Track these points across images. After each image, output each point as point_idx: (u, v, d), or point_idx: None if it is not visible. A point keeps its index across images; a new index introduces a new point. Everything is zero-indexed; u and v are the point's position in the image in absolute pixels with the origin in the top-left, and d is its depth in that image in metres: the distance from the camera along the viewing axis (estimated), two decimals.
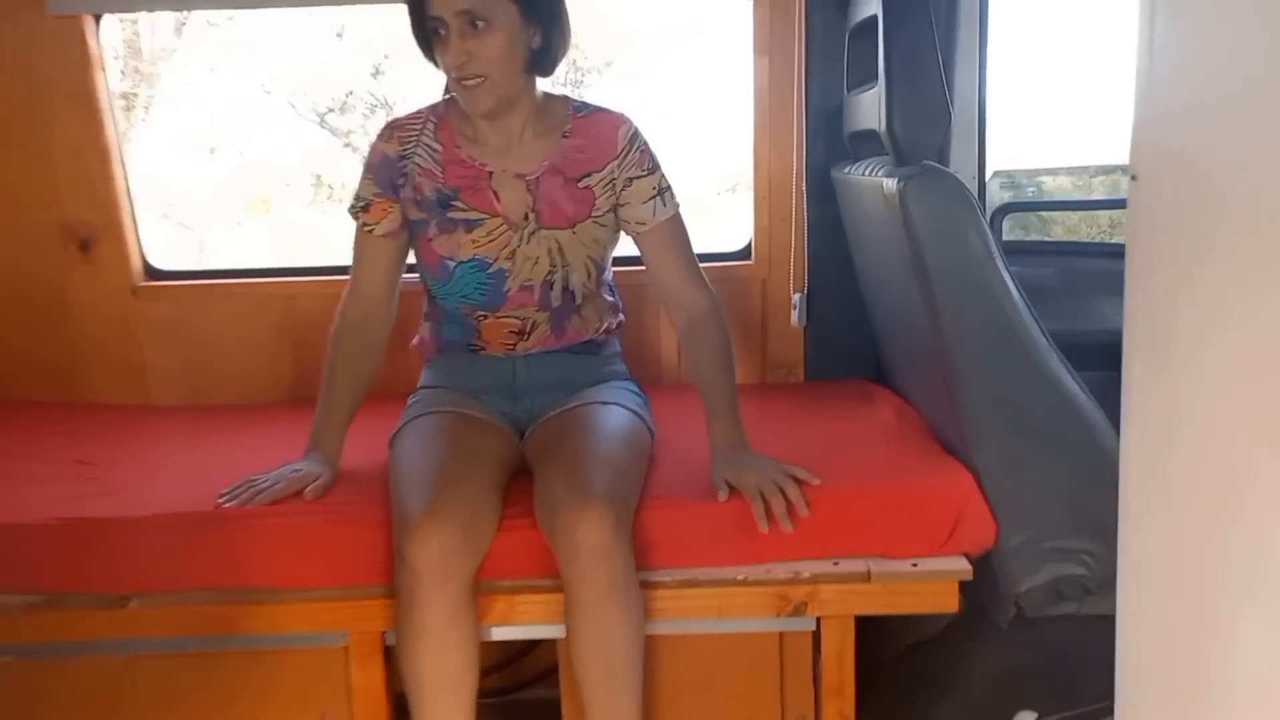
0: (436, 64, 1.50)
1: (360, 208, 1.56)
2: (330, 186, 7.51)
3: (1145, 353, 0.81)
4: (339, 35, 6.92)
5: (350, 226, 1.58)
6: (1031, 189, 2.48)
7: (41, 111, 1.89)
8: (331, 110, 7.58)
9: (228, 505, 1.45)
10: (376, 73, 7.28)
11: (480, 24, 1.40)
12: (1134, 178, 0.77)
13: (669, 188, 1.57)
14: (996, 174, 2.22)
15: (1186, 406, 0.75)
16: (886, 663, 1.76)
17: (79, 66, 1.87)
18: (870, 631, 1.63)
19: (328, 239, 6.96)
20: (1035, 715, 1.61)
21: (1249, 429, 0.66)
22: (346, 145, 7.70)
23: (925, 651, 1.77)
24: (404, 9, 1.47)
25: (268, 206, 6.75)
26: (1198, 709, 0.76)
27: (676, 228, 1.58)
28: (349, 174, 7.35)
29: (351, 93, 7.51)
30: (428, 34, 1.46)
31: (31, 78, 1.87)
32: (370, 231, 1.56)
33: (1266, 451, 0.64)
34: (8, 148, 1.91)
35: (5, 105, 1.89)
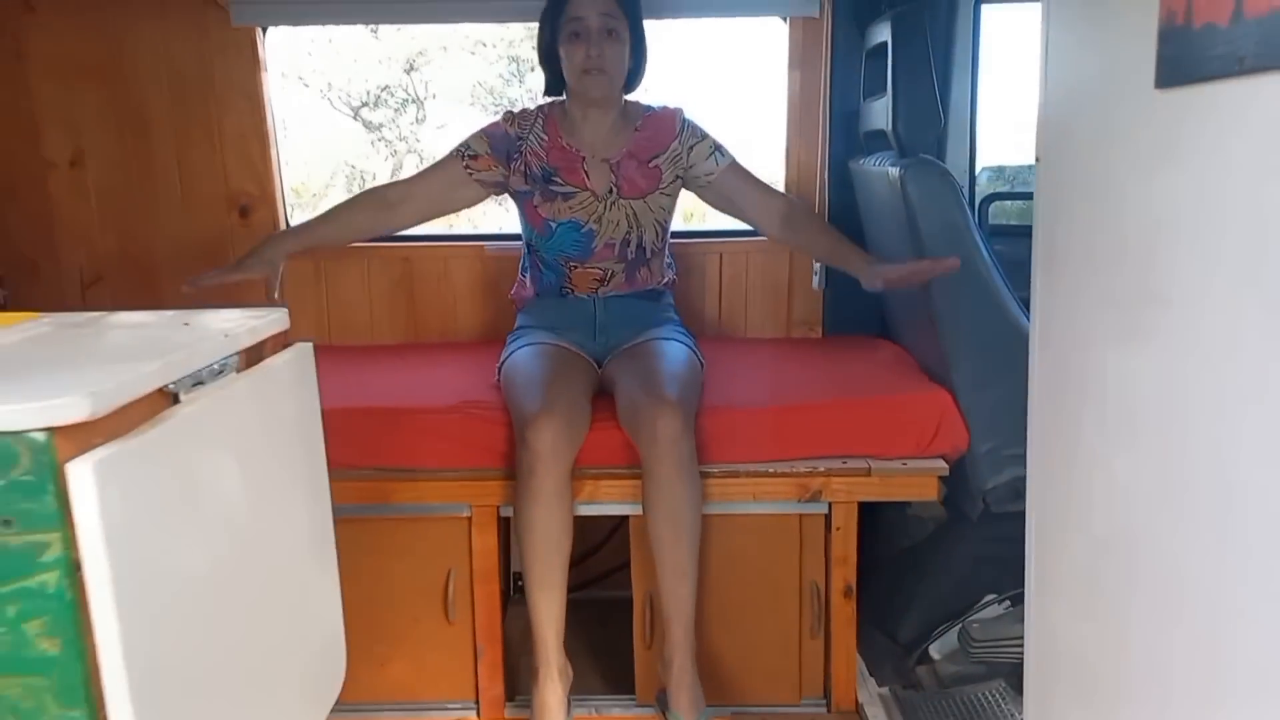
0: (549, 66, 1.96)
1: (469, 154, 2.00)
2: (364, 177, 7.93)
3: (1048, 297, 1.21)
4: (374, 32, 7.29)
5: None
6: (1017, 182, 2.91)
7: (218, 104, 2.35)
8: (365, 104, 8.02)
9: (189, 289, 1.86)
10: (410, 68, 7.70)
11: (611, 33, 1.87)
12: (1038, 159, 1.21)
13: (721, 145, 2.03)
14: (986, 168, 2.64)
15: (1080, 343, 1.12)
16: (884, 562, 2.18)
17: (249, 68, 2.34)
18: (872, 538, 2.02)
19: None
20: (996, 596, 2.01)
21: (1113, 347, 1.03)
22: (379, 139, 8.13)
23: (914, 551, 2.18)
24: None
25: (310, 193, 7.15)
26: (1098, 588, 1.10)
27: (738, 167, 2.03)
28: (380, 166, 7.73)
29: (386, 88, 7.94)
30: (555, 39, 1.91)
31: (212, 77, 2.33)
32: (468, 172, 2.00)
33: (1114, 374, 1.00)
34: (191, 133, 2.37)
35: (192, 99, 2.35)
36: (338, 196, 7.42)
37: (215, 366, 0.95)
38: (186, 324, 1.04)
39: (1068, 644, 1.19)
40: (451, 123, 7.83)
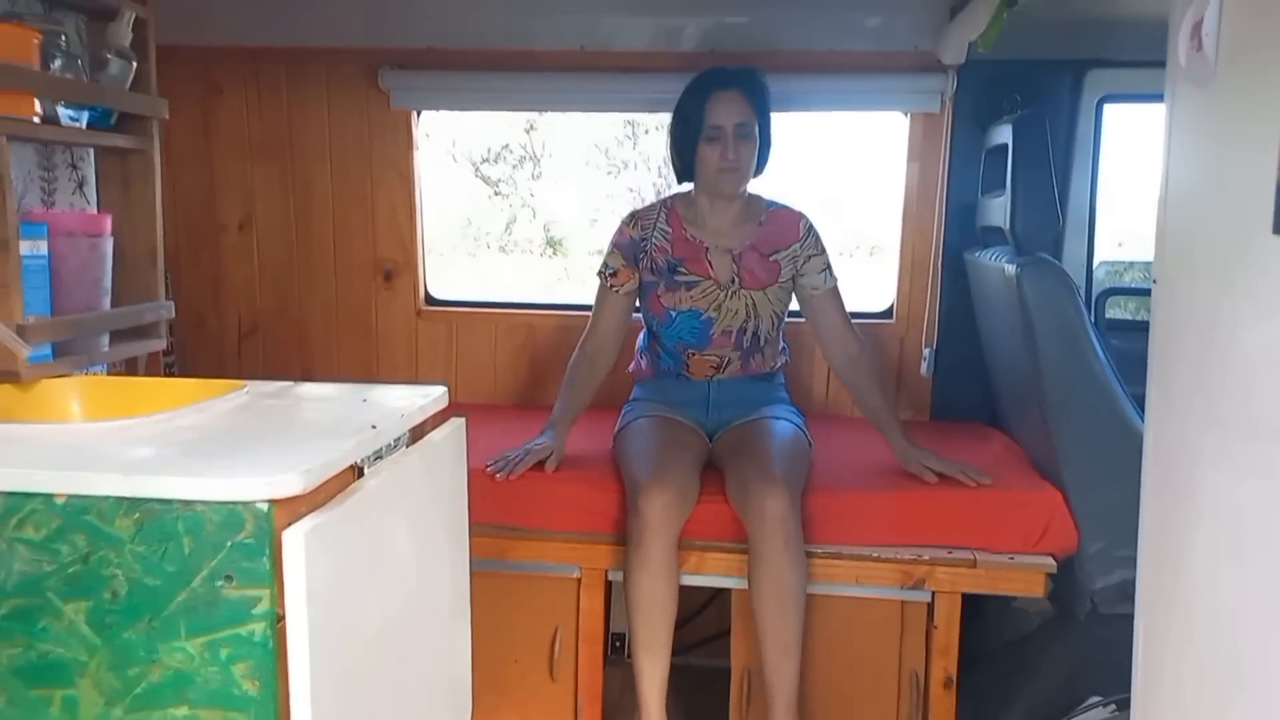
0: (681, 158, 2.09)
1: (610, 273, 2.13)
2: (479, 232, 8.29)
3: (1162, 413, 1.24)
4: None
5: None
6: (1140, 274, 2.89)
7: (373, 178, 2.58)
8: (485, 160, 8.42)
9: (494, 474, 1.97)
10: (530, 128, 8.06)
11: (745, 136, 2.00)
12: (1155, 280, 1.25)
13: (831, 266, 2.12)
14: (1104, 263, 2.64)
15: (1189, 459, 1.15)
16: (987, 654, 2.17)
17: (403, 147, 2.56)
18: (975, 628, 2.02)
19: (482, 279, 7.69)
20: (1101, 699, 1.98)
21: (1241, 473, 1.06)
22: (496, 194, 8.50)
23: (1019, 645, 2.16)
24: None
25: (437, 252, 7.48)
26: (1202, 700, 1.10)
27: (837, 293, 2.12)
28: (495, 220, 8.07)
29: (506, 145, 8.32)
30: (692, 134, 2.03)
31: (370, 154, 2.57)
32: (615, 291, 2.13)
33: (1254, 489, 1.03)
34: (349, 205, 2.61)
35: (351, 172, 2.59)
36: (461, 258, 7.79)
37: (391, 442, 1.08)
38: (365, 400, 1.18)
39: None
40: (564, 180, 8.16)
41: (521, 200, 8.36)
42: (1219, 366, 1.09)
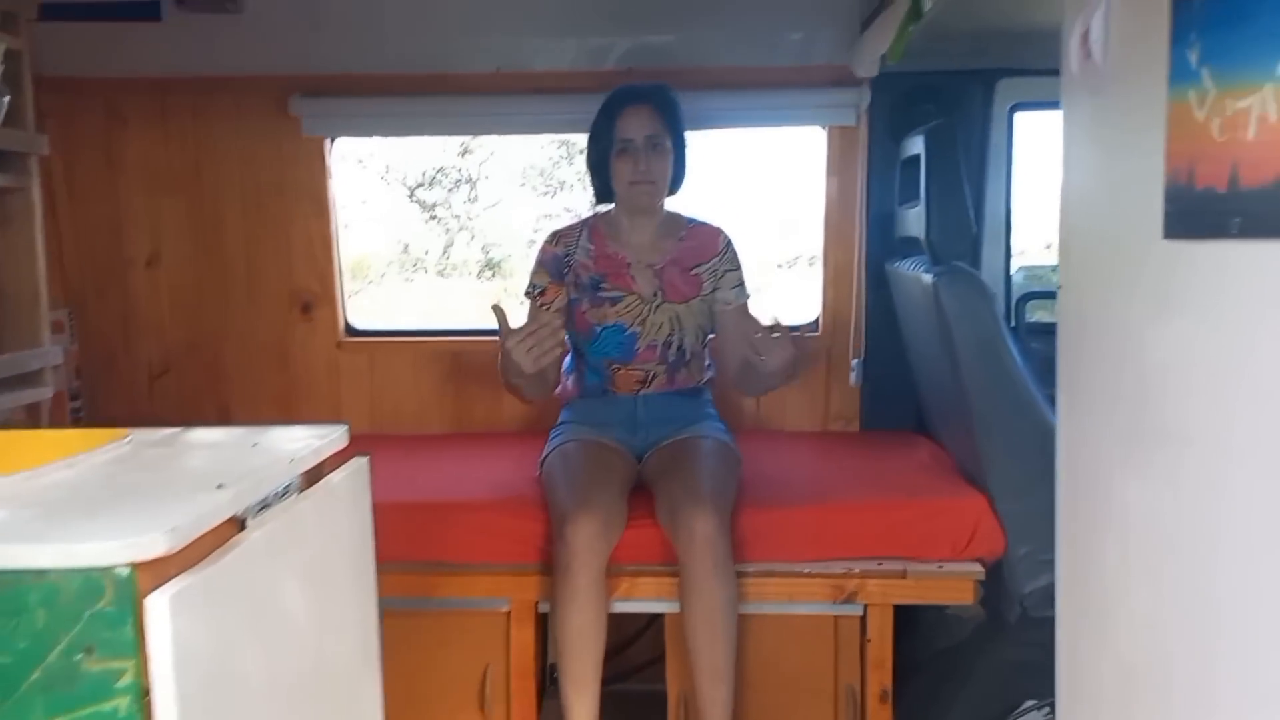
0: (598, 177, 2.07)
1: (538, 292, 2.10)
2: (417, 257, 8.20)
3: (1071, 420, 1.25)
4: None
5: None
6: (1052, 280, 2.94)
7: (287, 208, 2.51)
8: (421, 185, 8.35)
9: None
10: (464, 151, 8.02)
11: (656, 147, 2.00)
12: (1060, 286, 1.25)
13: (744, 283, 2.13)
14: (1022, 268, 2.68)
15: (1099, 464, 1.15)
16: (921, 662, 2.17)
17: (317, 175, 2.50)
18: (909, 638, 2.02)
19: (415, 303, 7.59)
20: (1036, 702, 1.99)
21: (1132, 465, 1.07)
22: (433, 218, 8.43)
23: (952, 653, 2.17)
24: None
25: (364, 272, 7.40)
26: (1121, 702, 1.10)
27: (746, 310, 2.12)
28: (433, 244, 7.99)
29: (440, 169, 8.26)
30: (605, 152, 2.02)
31: (283, 183, 2.50)
32: (546, 309, 2.09)
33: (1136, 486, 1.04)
34: (263, 236, 2.53)
35: (265, 202, 2.52)
36: (393, 281, 7.67)
37: (279, 490, 1.03)
38: (255, 444, 1.12)
39: None
40: (502, 202, 8.11)
41: (459, 223, 8.28)
42: (1123, 371, 1.09)
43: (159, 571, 0.82)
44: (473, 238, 8.34)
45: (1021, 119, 2.46)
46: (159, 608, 0.79)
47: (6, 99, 1.42)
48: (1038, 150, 2.55)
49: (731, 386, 2.18)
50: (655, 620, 2.16)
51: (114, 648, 0.79)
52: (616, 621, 1.85)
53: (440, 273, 8.07)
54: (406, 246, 8.15)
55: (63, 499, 0.93)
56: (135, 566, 0.79)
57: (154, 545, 0.80)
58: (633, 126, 2.00)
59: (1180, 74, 0.90)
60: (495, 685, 1.93)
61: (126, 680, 0.79)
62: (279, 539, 1.00)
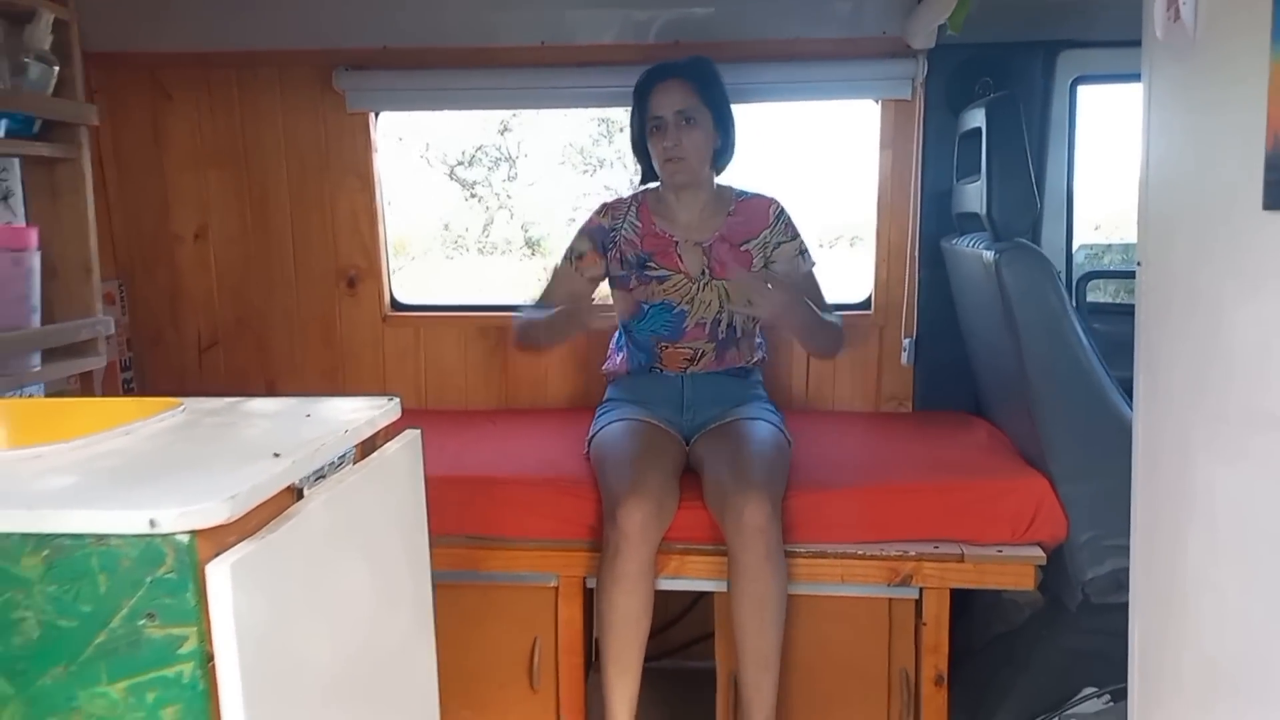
0: (642, 157, 2.04)
1: (576, 256, 2.08)
2: (457, 235, 8.22)
3: (1150, 400, 1.20)
4: None
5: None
6: (1118, 256, 2.85)
7: (332, 183, 2.50)
8: (460, 163, 8.35)
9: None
10: (504, 129, 8.00)
11: (688, 121, 1.94)
12: (1139, 263, 1.20)
13: (807, 250, 2.06)
14: (1084, 246, 2.60)
15: (1179, 446, 1.10)
16: (978, 648, 2.12)
17: (362, 150, 2.48)
18: (964, 623, 1.98)
19: (459, 281, 7.61)
20: (1095, 689, 1.93)
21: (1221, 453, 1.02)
22: (473, 196, 8.43)
23: (1009, 638, 2.12)
24: None
25: (406, 249, 7.43)
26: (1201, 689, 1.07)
27: (812, 277, 2.07)
28: (473, 223, 8.01)
29: (480, 147, 8.26)
30: (644, 131, 1.99)
31: (328, 157, 2.49)
32: (580, 272, 2.07)
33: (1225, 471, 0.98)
34: (308, 211, 2.53)
35: (309, 177, 2.51)
36: (438, 261, 7.71)
37: (335, 460, 1.01)
38: (309, 415, 1.10)
39: None
40: (541, 180, 8.09)
41: (498, 201, 8.28)
42: (1208, 349, 1.04)
43: (218, 539, 0.81)
44: (512, 216, 8.33)
45: (1088, 92, 2.37)
46: (220, 575, 0.78)
47: (56, 69, 1.41)
48: (1094, 128, 2.47)
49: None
50: (701, 598, 2.14)
51: (176, 614, 0.78)
52: (662, 599, 1.83)
53: (480, 250, 8.08)
54: (447, 224, 8.18)
55: (121, 466, 0.92)
56: (195, 534, 0.78)
57: (214, 513, 0.79)
58: (662, 103, 1.96)
59: None
60: (544, 659, 1.91)
61: (190, 646, 0.78)
62: (335, 509, 0.99)
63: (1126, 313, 1.26)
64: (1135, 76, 1.19)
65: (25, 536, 0.78)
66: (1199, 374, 1.05)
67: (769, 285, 1.89)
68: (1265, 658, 0.94)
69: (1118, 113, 2.45)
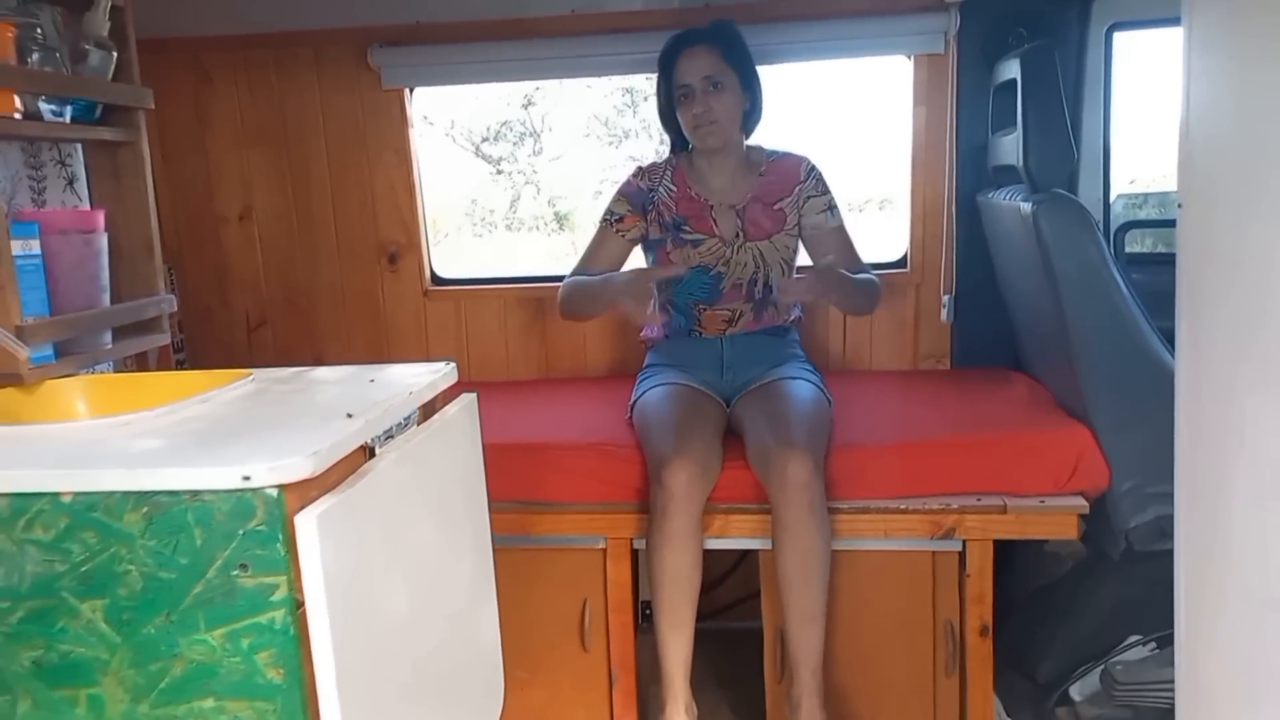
0: (670, 126, 2.06)
1: (616, 219, 2.11)
2: (485, 213, 8.26)
3: (1193, 344, 1.20)
4: None
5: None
6: (1154, 209, 2.82)
7: (370, 160, 2.54)
8: (486, 139, 8.37)
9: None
10: (527, 104, 8.00)
11: (716, 86, 1.95)
12: (1180, 205, 1.20)
13: (836, 205, 2.09)
14: (1121, 195, 2.57)
15: (1224, 390, 1.11)
16: (1020, 599, 2.14)
17: (398, 126, 2.52)
18: (1008, 575, 1.99)
19: (491, 257, 7.66)
20: (1140, 637, 1.95)
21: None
22: (499, 173, 8.46)
23: (1053, 589, 2.13)
24: None
25: (437, 228, 7.49)
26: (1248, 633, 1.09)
27: (843, 232, 2.10)
28: (500, 199, 8.05)
29: (505, 123, 8.26)
30: (672, 99, 2.01)
31: (365, 135, 2.53)
32: (620, 234, 2.10)
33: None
34: (348, 188, 2.57)
35: (348, 155, 2.55)
36: (467, 239, 7.76)
37: (401, 421, 1.06)
38: (373, 380, 1.15)
39: (1224, 701, 1.16)
40: (567, 153, 8.10)
41: (524, 177, 8.31)
42: (1254, 292, 1.04)
43: (303, 493, 0.86)
44: (539, 191, 8.36)
45: (1121, 40, 2.34)
46: (308, 526, 0.83)
47: (115, 54, 1.46)
48: (1127, 76, 2.44)
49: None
50: (744, 558, 2.17)
51: (267, 564, 0.83)
52: (706, 560, 1.87)
53: (509, 227, 8.12)
54: (475, 201, 8.22)
55: (206, 429, 0.98)
56: (283, 488, 0.83)
57: (299, 468, 0.84)
58: (689, 71, 1.97)
59: None
60: (594, 619, 1.97)
61: (281, 594, 0.84)
62: (404, 466, 1.04)
63: (1166, 262, 1.26)
64: (1174, 20, 1.19)
65: (126, 495, 0.84)
66: (1242, 314, 1.06)
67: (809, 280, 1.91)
68: None
69: (1147, 61, 2.42)
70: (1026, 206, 1.87)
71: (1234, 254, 1.08)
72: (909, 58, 2.38)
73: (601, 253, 2.12)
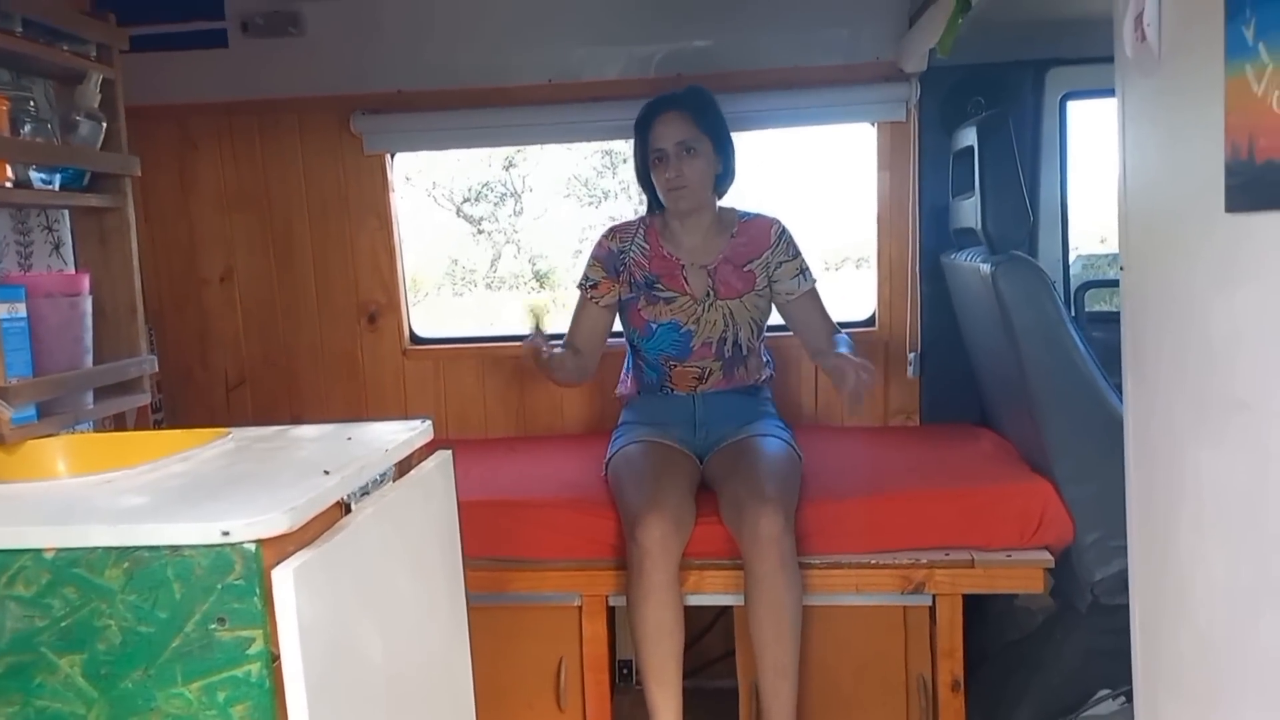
0: (646, 187, 2.14)
1: (591, 285, 2.17)
2: (466, 271, 8.35)
3: (1138, 398, 1.26)
4: None
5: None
6: (1116, 270, 2.92)
7: (352, 223, 2.60)
8: (467, 200, 8.49)
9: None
10: (508, 165, 8.14)
11: (690, 151, 2.03)
12: (1122, 268, 1.27)
13: (808, 269, 2.15)
14: (1089, 255, 2.67)
15: (1168, 441, 1.17)
16: (992, 653, 2.16)
17: (380, 190, 2.59)
18: (979, 630, 2.02)
19: (467, 317, 7.72)
20: (1110, 691, 1.97)
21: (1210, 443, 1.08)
22: (479, 232, 8.56)
23: (1023, 643, 2.16)
24: None
25: (418, 287, 7.56)
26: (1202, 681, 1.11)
27: (815, 295, 2.15)
28: (481, 258, 8.13)
29: (486, 184, 8.40)
30: (648, 162, 2.08)
31: (347, 199, 2.59)
32: (596, 303, 2.16)
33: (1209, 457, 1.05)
34: (329, 250, 2.63)
35: (330, 218, 2.61)
36: (447, 298, 7.80)
37: (377, 477, 1.09)
38: (350, 438, 1.19)
39: None
40: (547, 214, 8.23)
41: (505, 236, 8.42)
42: (1189, 345, 1.10)
43: (280, 548, 0.88)
44: (519, 250, 8.46)
45: (1079, 108, 2.46)
46: (284, 580, 0.86)
47: (104, 125, 1.51)
48: (1088, 142, 2.55)
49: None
50: (725, 613, 2.19)
51: (244, 617, 0.86)
52: (687, 615, 1.88)
53: (489, 285, 8.19)
54: (455, 261, 8.29)
55: (186, 486, 1.01)
56: (261, 542, 0.86)
57: (276, 523, 0.87)
58: (663, 135, 2.05)
59: (1236, 50, 0.92)
60: (570, 678, 1.97)
61: (257, 647, 0.86)
62: (380, 521, 1.07)
63: None
64: None
65: (108, 550, 0.86)
66: (1180, 365, 1.12)
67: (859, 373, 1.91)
68: (1257, 631, 1.00)
69: (1107, 126, 2.53)
70: (986, 268, 1.94)
71: (1169, 309, 1.15)
72: (873, 125, 2.48)
73: (583, 321, 2.17)
